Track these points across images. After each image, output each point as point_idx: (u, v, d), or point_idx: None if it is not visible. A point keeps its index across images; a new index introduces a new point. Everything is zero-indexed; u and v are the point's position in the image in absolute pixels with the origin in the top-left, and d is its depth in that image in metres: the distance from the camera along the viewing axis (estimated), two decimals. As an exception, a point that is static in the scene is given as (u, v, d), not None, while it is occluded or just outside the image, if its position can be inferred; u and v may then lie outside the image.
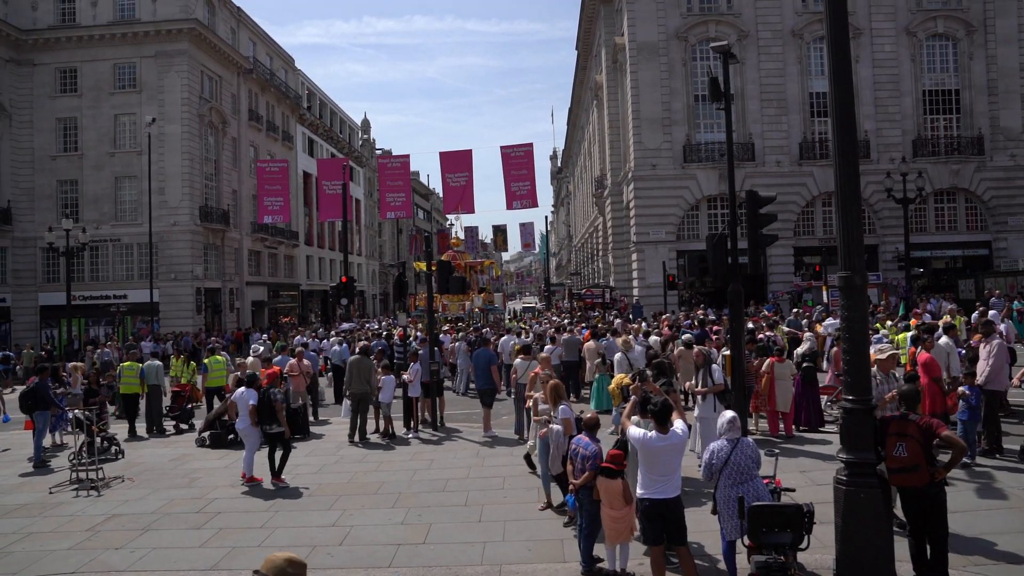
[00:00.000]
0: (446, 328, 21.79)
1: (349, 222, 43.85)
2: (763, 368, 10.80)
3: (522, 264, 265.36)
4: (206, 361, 14.12)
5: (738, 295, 9.63)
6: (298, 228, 43.86)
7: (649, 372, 9.02)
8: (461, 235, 33.96)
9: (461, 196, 29.56)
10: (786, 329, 14.93)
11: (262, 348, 14.67)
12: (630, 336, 14.10)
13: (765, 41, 31.30)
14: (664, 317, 19.75)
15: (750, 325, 15.15)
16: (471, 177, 29.78)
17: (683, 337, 13.06)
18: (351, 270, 47.46)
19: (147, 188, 30.21)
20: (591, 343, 14.50)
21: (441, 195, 75.56)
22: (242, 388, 9.45)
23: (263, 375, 11.18)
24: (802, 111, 31.16)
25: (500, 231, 40.93)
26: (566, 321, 25.02)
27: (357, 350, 12.60)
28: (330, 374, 16.70)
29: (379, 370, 12.29)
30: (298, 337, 22.74)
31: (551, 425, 6.52)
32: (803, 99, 31.14)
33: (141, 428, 13.46)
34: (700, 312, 20.80)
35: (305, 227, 46.10)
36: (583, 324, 23.07)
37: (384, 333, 19.97)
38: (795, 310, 20.21)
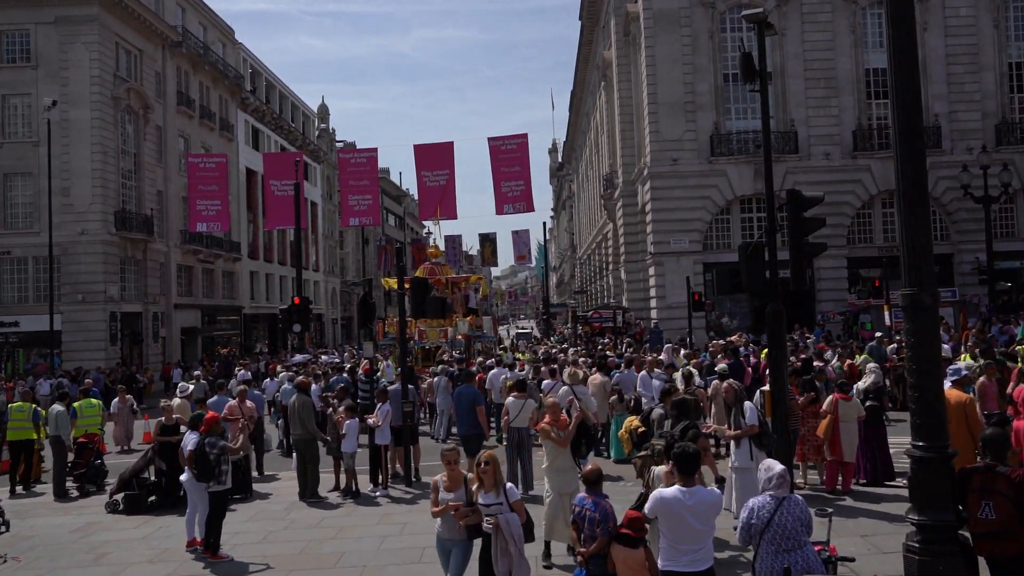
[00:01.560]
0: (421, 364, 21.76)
1: (303, 231, 43.83)
2: (825, 406, 10.77)
3: (515, 281, 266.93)
4: (76, 405, 13.86)
5: (778, 317, 9.66)
6: (240, 238, 43.83)
7: (659, 411, 9.02)
8: (441, 245, 33.99)
9: (440, 198, 29.69)
10: (870, 365, 14.49)
11: (192, 387, 14.51)
12: (578, 370, 14.38)
13: (810, 7, 31.50)
14: (715, 342, 19.92)
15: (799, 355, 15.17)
16: (452, 175, 29.97)
17: (719, 368, 13.11)
18: (305, 289, 47.43)
19: (47, 188, 28.16)
20: (597, 378, 14.48)
21: (416, 197, 75.64)
22: (190, 434, 9.41)
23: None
24: (856, 92, 31.38)
25: (488, 241, 41.23)
26: (580, 359, 24.99)
27: (294, 385, 12.65)
28: (280, 421, 16.59)
29: (340, 412, 12.21)
30: (240, 372, 22.66)
31: (497, 518, 6.04)
32: (857, 77, 31.31)
33: (41, 488, 13.23)
34: (737, 339, 20.85)
35: (249, 237, 46.08)
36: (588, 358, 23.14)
37: (347, 367, 19.96)
38: (878, 335, 20.11)
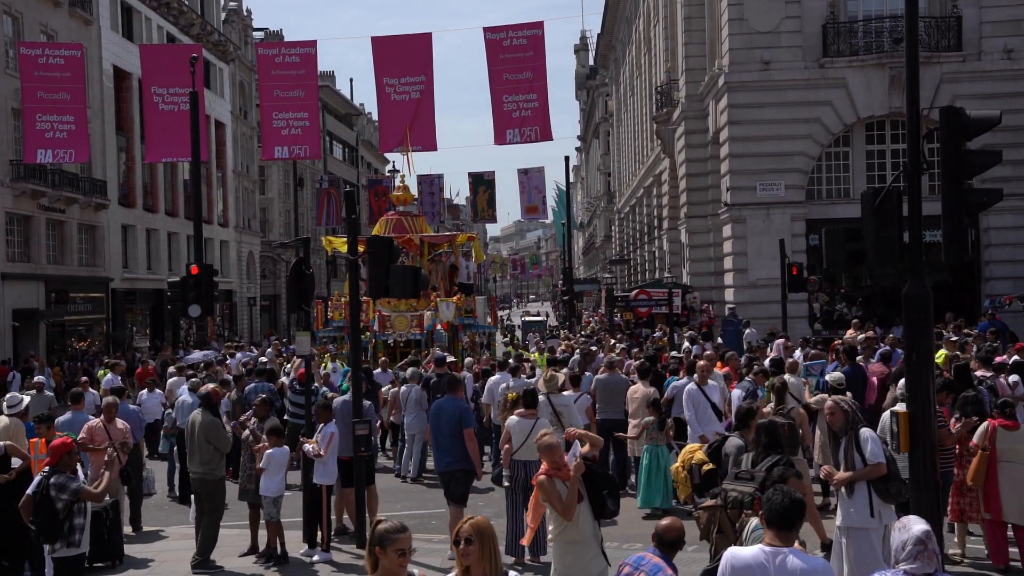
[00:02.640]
0: (381, 360, 21.86)
1: (204, 165, 43.73)
2: (977, 438, 10.63)
3: (522, 244, 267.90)
4: None
5: (922, 302, 9.60)
6: (106, 175, 43.78)
7: (736, 440, 9.01)
8: (413, 189, 33.96)
9: (412, 119, 29.48)
10: None
11: (27, 399, 14.31)
12: (557, 374, 14.77)
13: None
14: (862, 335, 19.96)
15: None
16: (430, 85, 29.72)
17: (830, 377, 13.10)
18: (208, 253, 47.29)
19: None
20: (640, 387, 14.67)
21: (376, 118, 75.48)
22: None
23: (43, 448, 11.08)
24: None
25: (483, 184, 41.01)
26: (619, 345, 25.15)
27: (197, 396, 12.77)
28: (174, 446, 16.68)
29: (263, 439, 12.25)
30: (108, 377, 22.73)
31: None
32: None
33: None
34: (859, 334, 20.88)
35: (121, 173, 46.05)
36: (633, 350, 23.19)
37: (268, 368, 20.00)
38: None
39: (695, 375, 14.22)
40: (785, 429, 8.56)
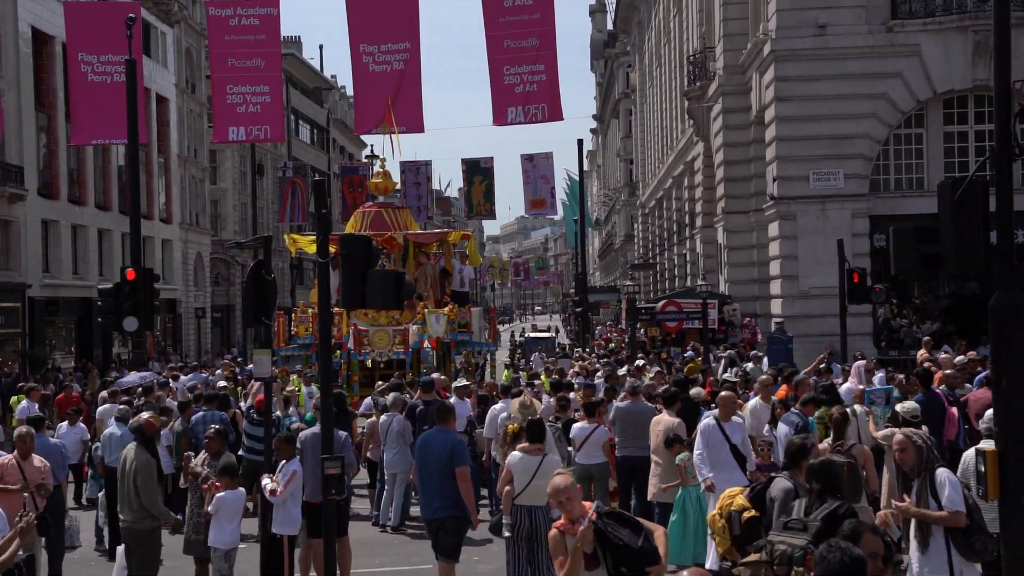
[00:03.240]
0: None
1: (143, 148, 43.63)
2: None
3: (527, 245, 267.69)
4: None
5: (1015, 315, 9.56)
6: (23, 159, 43.74)
7: (785, 483, 8.96)
8: (396, 177, 33.91)
9: (394, 93, 29.48)
10: None
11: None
12: (529, 399, 14.84)
13: None
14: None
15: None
16: (416, 53, 29.81)
17: (902, 407, 13.02)
18: (148, 254, 47.41)
19: None
20: (664, 417, 14.56)
21: (350, 94, 75.36)
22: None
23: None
24: None
25: (480, 173, 41.08)
26: (641, 362, 25.06)
27: (128, 429, 12.67)
28: (101, 493, 16.61)
29: (213, 480, 12.20)
30: (23, 404, 22.67)
31: None
32: None
33: None
34: (970, 354, 20.80)
35: (41, 158, 46.04)
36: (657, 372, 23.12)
37: (221, 393, 20.00)
38: None
39: (716, 408, 13.92)
40: (845, 469, 8.51)
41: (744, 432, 13.60)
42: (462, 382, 19.81)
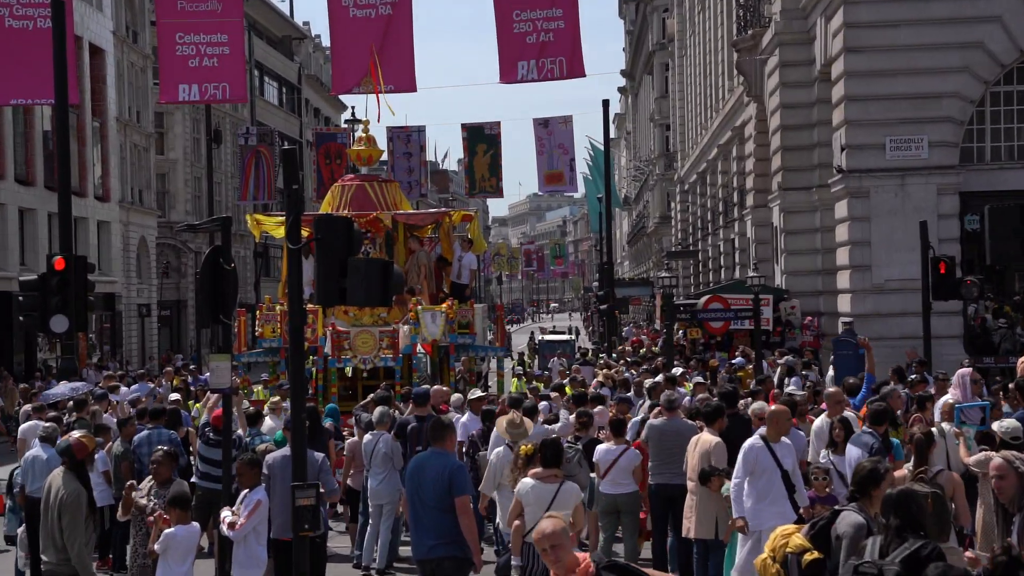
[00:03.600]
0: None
1: (74, 110, 43.55)
2: None
3: (540, 228, 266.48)
4: None
5: None
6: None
7: (856, 517, 8.97)
8: (382, 144, 33.87)
9: (380, 45, 29.36)
10: None
11: None
12: (517, 417, 15.06)
13: None
14: None
15: None
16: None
17: (1001, 425, 12.98)
18: (81, 240, 47.42)
19: None
20: (705, 437, 14.58)
21: (327, 45, 74.82)
22: None
23: None
24: None
25: (483, 140, 41.01)
26: (678, 370, 25.01)
27: (57, 451, 12.66)
28: (20, 529, 16.70)
29: (160, 512, 12.23)
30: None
31: None
32: None
33: None
34: None
35: (-46, 122, 46.08)
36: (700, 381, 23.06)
37: (169, 407, 19.93)
38: None
39: (763, 426, 13.80)
40: (929, 501, 8.51)
41: (793, 456, 13.54)
42: (477, 393, 19.79)
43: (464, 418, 18.60)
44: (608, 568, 7.44)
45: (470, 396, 19.79)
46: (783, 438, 13.49)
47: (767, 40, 39.27)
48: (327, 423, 19.63)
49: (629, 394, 21.67)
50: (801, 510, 12.82)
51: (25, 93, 30.76)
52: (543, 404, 20.55)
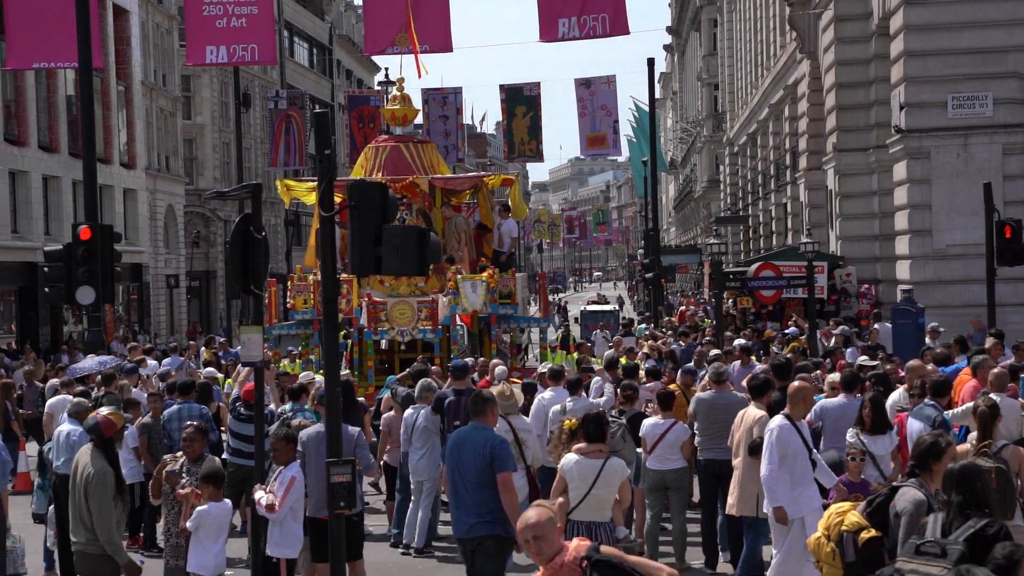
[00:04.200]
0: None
1: (98, 73, 43.66)
2: None
3: (583, 194, 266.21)
4: None
5: None
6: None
7: (916, 492, 8.98)
8: (417, 103, 33.80)
9: (415, 2, 29.27)
10: None
11: None
12: (507, 387, 15.39)
13: None
14: None
15: None
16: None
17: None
18: (106, 208, 47.64)
19: None
20: (752, 411, 14.22)
21: (359, 4, 74.72)
22: None
23: None
24: None
25: (523, 102, 40.95)
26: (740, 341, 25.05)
27: (85, 428, 12.71)
28: (51, 503, 16.82)
29: (192, 488, 12.31)
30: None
31: None
32: None
33: None
34: None
35: (-26, 87, 46.35)
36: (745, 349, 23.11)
37: (202, 381, 20.13)
38: None
39: (788, 403, 13.27)
40: (993, 476, 8.51)
41: (809, 435, 13.34)
42: (547, 367, 19.74)
43: (547, 393, 18.32)
44: (597, 564, 7.23)
45: (548, 366, 19.80)
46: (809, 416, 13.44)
47: (819, -4, 39.09)
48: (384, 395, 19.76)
49: (691, 365, 21.46)
50: (831, 492, 12.73)
51: (48, 56, 30.81)
52: (596, 381, 20.60)
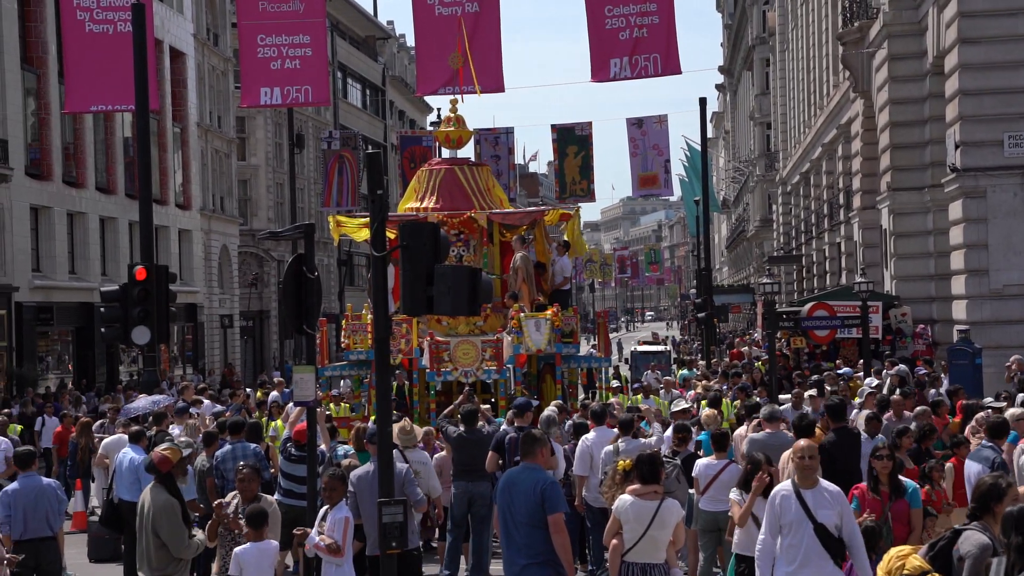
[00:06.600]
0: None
1: (155, 116, 43.93)
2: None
3: (634, 234, 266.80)
4: None
5: None
6: (6, 130, 44.27)
7: (981, 536, 8.79)
8: (469, 149, 33.70)
9: (468, 42, 29.34)
10: None
11: None
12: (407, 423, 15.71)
13: None
14: None
15: None
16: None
17: None
18: (161, 248, 47.90)
19: None
20: (803, 444, 12.36)
21: (412, 44, 75.11)
22: None
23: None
24: None
25: (574, 142, 40.90)
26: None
27: (145, 468, 12.89)
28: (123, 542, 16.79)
29: (229, 517, 12.26)
30: (2, 443, 23.06)
31: None
32: None
33: None
34: None
35: (29, 128, 46.76)
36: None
37: (251, 421, 20.07)
38: None
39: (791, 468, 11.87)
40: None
41: (842, 505, 11.46)
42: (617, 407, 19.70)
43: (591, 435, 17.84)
44: None
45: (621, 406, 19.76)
46: (823, 482, 11.59)
47: (875, 32, 38.92)
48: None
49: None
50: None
51: (105, 99, 31.00)
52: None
